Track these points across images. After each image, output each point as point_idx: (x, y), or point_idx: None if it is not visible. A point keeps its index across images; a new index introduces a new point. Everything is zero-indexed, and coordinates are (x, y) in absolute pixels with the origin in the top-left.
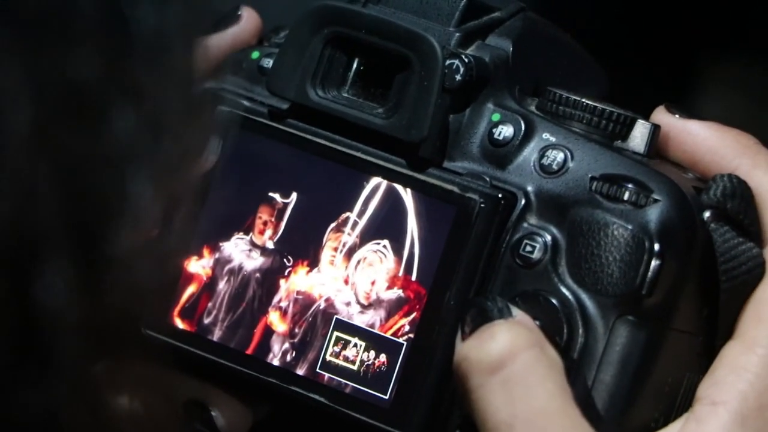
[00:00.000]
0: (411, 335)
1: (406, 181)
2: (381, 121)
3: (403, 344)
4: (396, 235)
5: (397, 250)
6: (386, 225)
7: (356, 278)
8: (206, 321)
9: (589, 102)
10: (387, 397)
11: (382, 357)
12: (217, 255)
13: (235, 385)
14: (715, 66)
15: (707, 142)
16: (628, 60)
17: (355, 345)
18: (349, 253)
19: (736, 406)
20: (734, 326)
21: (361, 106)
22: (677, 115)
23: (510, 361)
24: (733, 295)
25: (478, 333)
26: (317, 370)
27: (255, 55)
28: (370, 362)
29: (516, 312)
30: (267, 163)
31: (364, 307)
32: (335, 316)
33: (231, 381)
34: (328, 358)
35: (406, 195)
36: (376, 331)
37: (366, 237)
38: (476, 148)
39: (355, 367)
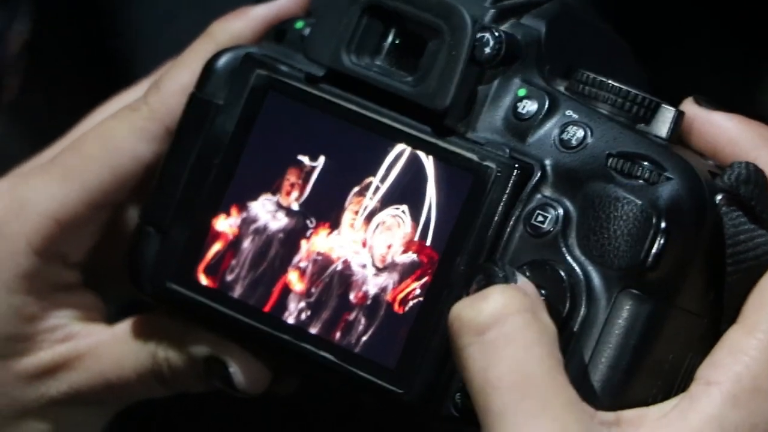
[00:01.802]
0: (421, 299)
1: (428, 148)
2: (409, 88)
3: (413, 307)
4: (415, 201)
5: (415, 215)
6: (406, 191)
7: (374, 241)
8: (228, 278)
9: (615, 84)
10: (394, 359)
11: (393, 319)
12: (244, 214)
13: (252, 342)
14: None
15: (729, 132)
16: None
17: (368, 307)
18: (369, 217)
19: (730, 387)
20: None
21: (392, 74)
22: (704, 106)
23: (500, 323)
24: (739, 279)
25: (474, 294)
26: (330, 329)
27: (299, 25)
28: (380, 325)
29: (521, 279)
30: (298, 126)
31: (379, 270)
32: (351, 279)
33: (248, 338)
34: (342, 318)
35: (428, 161)
36: (388, 295)
37: (386, 201)
38: (500, 120)
39: (365, 329)
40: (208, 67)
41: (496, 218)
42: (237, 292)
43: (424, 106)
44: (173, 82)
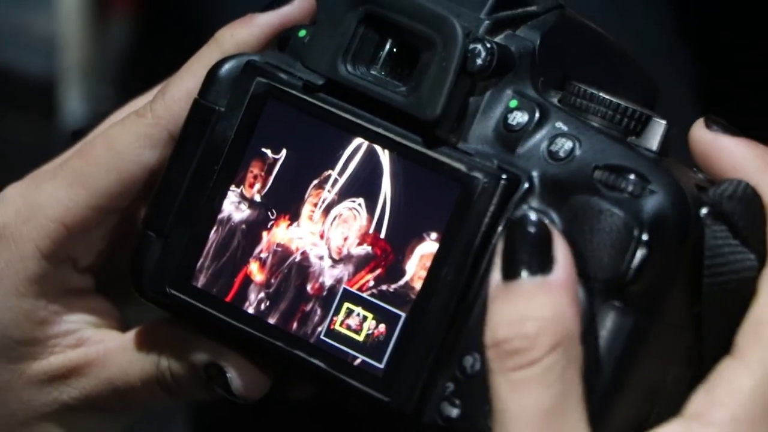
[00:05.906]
0: (408, 306)
1: (416, 157)
2: (401, 98)
3: (401, 315)
4: (370, 194)
5: (371, 208)
6: (363, 184)
7: (331, 233)
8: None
9: (606, 97)
10: (382, 366)
11: (382, 327)
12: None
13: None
14: None
15: (734, 156)
16: None
17: (358, 314)
18: (327, 209)
19: (728, 429)
20: (723, 329)
21: (386, 84)
22: (713, 128)
23: (531, 352)
24: (717, 293)
25: (513, 314)
26: (287, 320)
27: (302, 33)
28: (370, 331)
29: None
30: (296, 133)
31: (335, 262)
32: (309, 270)
33: (234, 339)
34: (335, 327)
35: (383, 155)
36: (379, 302)
37: (343, 194)
38: (491, 131)
39: (358, 337)
40: (211, 74)
41: (482, 228)
42: (200, 282)
43: (415, 116)
44: (178, 89)
